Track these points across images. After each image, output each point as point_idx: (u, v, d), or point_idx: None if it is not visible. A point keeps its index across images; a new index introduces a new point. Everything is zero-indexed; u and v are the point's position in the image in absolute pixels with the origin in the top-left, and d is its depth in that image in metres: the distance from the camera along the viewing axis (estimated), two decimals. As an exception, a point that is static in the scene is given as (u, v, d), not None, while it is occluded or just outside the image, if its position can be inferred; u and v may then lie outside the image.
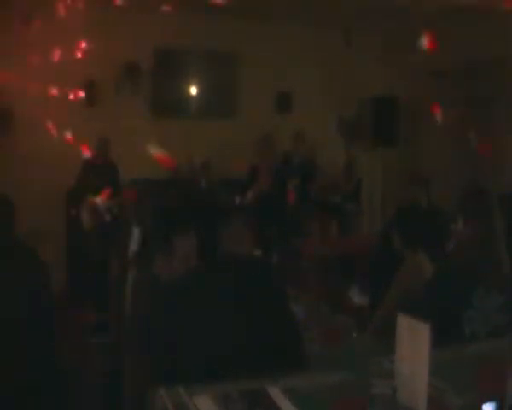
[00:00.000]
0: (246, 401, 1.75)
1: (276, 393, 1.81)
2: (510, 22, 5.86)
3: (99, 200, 5.88)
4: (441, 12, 6.30)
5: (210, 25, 6.77)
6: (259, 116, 7.07)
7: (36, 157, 6.28)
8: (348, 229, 6.44)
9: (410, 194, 4.67)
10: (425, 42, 5.56)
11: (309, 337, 2.62)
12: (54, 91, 6.55)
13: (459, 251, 2.72)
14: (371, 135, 7.44)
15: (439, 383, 1.81)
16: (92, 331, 5.08)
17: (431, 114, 7.11)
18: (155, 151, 6.28)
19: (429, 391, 1.68)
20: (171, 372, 2.18)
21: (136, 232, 3.63)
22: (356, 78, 7.39)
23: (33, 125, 6.38)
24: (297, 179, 6.30)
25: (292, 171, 6.40)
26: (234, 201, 5.96)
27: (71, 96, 6.62)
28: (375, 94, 7.34)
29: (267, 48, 7.07)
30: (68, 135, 6.58)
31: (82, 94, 6.68)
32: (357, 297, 2.75)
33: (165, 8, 6.41)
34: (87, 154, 6.33)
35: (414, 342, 1.70)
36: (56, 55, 6.47)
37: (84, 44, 6.51)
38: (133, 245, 3.29)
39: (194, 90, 7.22)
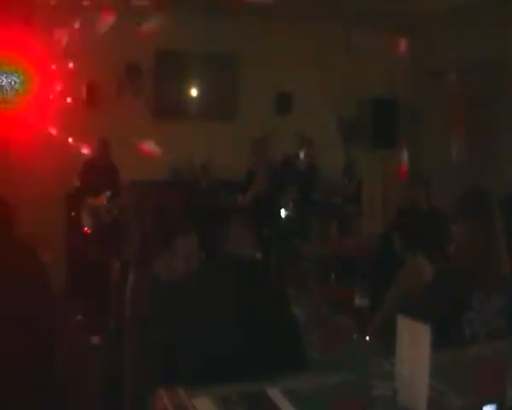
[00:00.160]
0: (246, 402, 1.75)
1: (276, 394, 1.81)
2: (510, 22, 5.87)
3: (99, 201, 5.88)
4: (441, 12, 6.31)
5: (210, 26, 6.77)
6: (260, 117, 7.07)
7: (36, 157, 6.28)
8: (348, 230, 6.44)
9: (410, 195, 4.66)
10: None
11: (309, 341, 2.61)
12: (55, 92, 6.55)
13: (459, 253, 2.72)
14: (371, 136, 7.44)
15: (439, 384, 1.81)
16: (92, 332, 5.08)
17: (431, 115, 7.13)
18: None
19: (429, 393, 1.68)
20: (171, 373, 2.18)
21: (136, 233, 3.62)
22: (356, 78, 7.38)
23: (34, 125, 6.39)
24: (298, 184, 6.30)
25: (294, 174, 6.40)
26: (234, 202, 5.95)
27: (72, 97, 6.62)
28: (375, 94, 7.34)
29: (267, 49, 7.07)
30: (69, 136, 6.60)
31: (83, 95, 6.68)
32: (358, 299, 2.75)
33: (166, 9, 6.44)
34: (87, 155, 6.33)
35: (414, 344, 1.70)
36: (58, 55, 6.48)
37: (85, 45, 6.53)
38: (133, 246, 3.28)
39: (194, 92, 7.23)
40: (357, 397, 1.67)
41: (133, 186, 5.86)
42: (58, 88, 6.56)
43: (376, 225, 7.27)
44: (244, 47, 7.07)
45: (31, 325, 3.07)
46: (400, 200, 5.28)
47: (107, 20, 6.52)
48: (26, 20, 6.14)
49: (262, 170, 6.00)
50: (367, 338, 2.73)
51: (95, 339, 5.04)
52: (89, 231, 5.93)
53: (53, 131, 6.54)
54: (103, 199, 5.89)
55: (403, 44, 7.67)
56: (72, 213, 6.24)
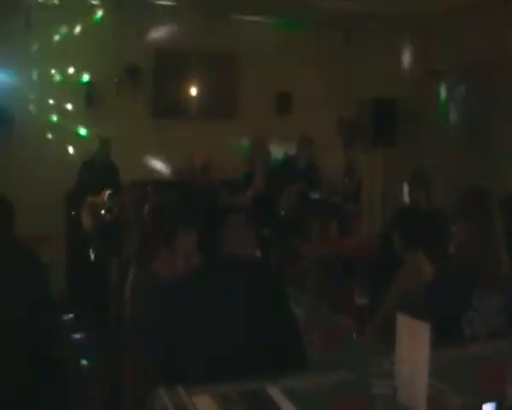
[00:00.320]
0: (245, 400, 1.75)
1: (275, 393, 1.81)
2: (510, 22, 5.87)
3: (99, 200, 5.88)
4: (441, 12, 6.31)
5: (210, 26, 6.77)
6: (259, 117, 7.06)
7: (36, 157, 6.28)
8: (348, 230, 6.43)
9: (410, 195, 4.66)
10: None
11: (309, 341, 2.61)
12: (54, 92, 6.56)
13: (459, 252, 2.72)
14: (371, 135, 7.44)
15: (438, 383, 1.81)
16: (92, 331, 5.08)
17: (431, 115, 7.13)
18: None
19: (429, 391, 1.68)
20: (171, 373, 2.18)
21: (135, 232, 3.63)
22: (356, 78, 7.39)
23: (34, 125, 6.39)
24: (298, 185, 6.29)
25: (293, 174, 6.40)
26: (234, 201, 5.95)
27: (72, 97, 6.63)
28: (375, 94, 7.34)
29: (267, 49, 7.07)
30: (69, 136, 6.60)
31: (83, 95, 6.68)
32: (358, 298, 2.75)
33: (166, 8, 6.45)
34: (88, 154, 6.33)
35: (414, 342, 1.70)
36: (57, 56, 6.49)
37: (84, 46, 6.54)
38: (133, 245, 3.29)
39: (194, 92, 7.22)
40: (357, 396, 1.67)
41: (133, 186, 5.87)
42: (58, 87, 6.57)
43: (376, 224, 7.28)
44: (244, 47, 7.07)
45: (31, 325, 3.07)
46: (400, 200, 5.28)
47: (107, 20, 6.52)
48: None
49: (261, 169, 6.00)
50: (367, 337, 2.73)
51: (95, 338, 5.04)
52: (89, 231, 5.93)
53: (53, 130, 6.54)
54: (103, 198, 5.89)
55: (403, 44, 7.66)
56: (72, 213, 6.24)
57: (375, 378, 1.63)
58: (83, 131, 6.68)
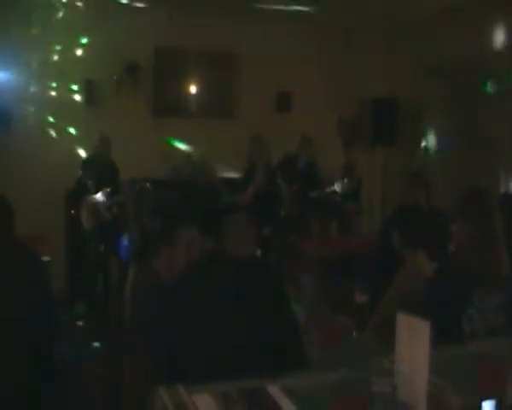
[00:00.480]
0: (245, 399, 1.75)
1: (275, 391, 1.81)
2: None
3: (99, 199, 5.88)
4: (441, 11, 6.31)
5: (210, 24, 6.78)
6: (259, 116, 7.07)
7: (35, 157, 6.29)
8: (348, 228, 6.44)
9: (409, 194, 4.67)
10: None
11: (309, 340, 2.61)
12: (54, 91, 6.56)
13: (459, 251, 2.72)
14: (371, 135, 7.44)
15: (438, 381, 1.81)
16: (92, 330, 5.08)
17: (431, 114, 7.13)
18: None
19: (429, 389, 1.68)
20: (171, 372, 2.18)
21: (136, 231, 3.63)
22: (356, 78, 7.40)
23: (33, 124, 6.39)
24: (298, 183, 6.30)
25: (293, 172, 6.41)
26: (233, 200, 5.95)
27: (71, 96, 6.63)
28: (375, 94, 7.35)
29: (267, 47, 7.08)
30: (68, 134, 6.60)
31: (82, 93, 6.68)
32: (357, 297, 2.75)
33: (166, 7, 6.45)
34: (87, 152, 6.33)
35: (414, 340, 1.70)
36: (56, 54, 6.49)
37: (84, 44, 6.53)
38: (133, 244, 3.29)
39: (194, 90, 7.22)
40: (357, 394, 1.67)
41: (133, 184, 5.87)
42: (57, 86, 6.57)
43: (376, 223, 7.28)
44: (243, 45, 7.08)
45: (31, 324, 3.07)
46: (400, 199, 5.28)
47: (107, 18, 6.52)
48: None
49: (262, 166, 6.00)
50: (367, 336, 2.73)
51: (95, 338, 5.05)
52: (89, 230, 5.93)
53: (52, 129, 6.54)
54: (103, 197, 5.90)
55: (403, 44, 7.66)
56: (72, 211, 6.24)
57: (375, 376, 1.63)
58: (82, 130, 6.68)
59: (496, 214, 2.63)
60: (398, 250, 3.38)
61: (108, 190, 5.92)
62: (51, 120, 6.58)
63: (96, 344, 4.89)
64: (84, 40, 6.58)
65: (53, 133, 6.51)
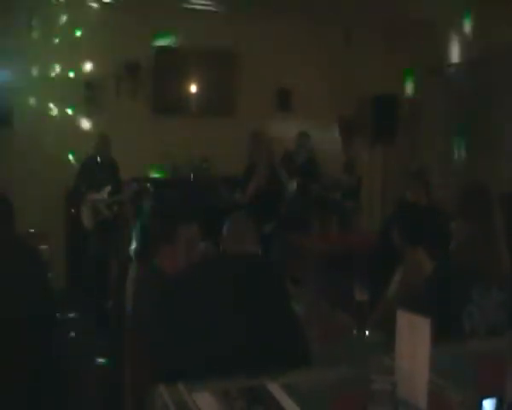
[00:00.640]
0: (245, 396, 1.75)
1: (275, 389, 1.81)
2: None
3: (99, 198, 5.88)
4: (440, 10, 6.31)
5: (209, 23, 6.77)
6: (259, 114, 7.07)
7: (36, 155, 6.29)
8: (348, 226, 6.44)
9: (409, 191, 4.66)
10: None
11: (309, 338, 2.61)
12: (54, 90, 6.56)
13: (459, 249, 2.72)
14: (371, 133, 7.44)
15: (439, 379, 1.81)
16: (92, 331, 5.08)
17: (431, 112, 7.13)
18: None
19: (429, 387, 1.67)
20: (171, 372, 2.18)
21: (136, 229, 3.62)
22: (356, 76, 7.40)
23: (34, 123, 6.39)
24: (299, 179, 6.31)
25: (293, 168, 6.41)
26: (234, 198, 5.96)
27: (71, 95, 6.62)
28: (375, 92, 7.35)
29: (267, 46, 7.08)
30: (68, 134, 6.59)
31: (82, 93, 6.68)
32: (357, 294, 2.75)
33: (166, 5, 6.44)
34: (87, 151, 6.32)
35: (414, 337, 1.70)
36: (56, 53, 6.49)
37: (84, 43, 6.53)
38: (134, 242, 3.28)
39: (194, 89, 7.22)
40: (357, 392, 1.66)
41: (133, 183, 5.88)
42: (57, 85, 6.56)
43: (376, 220, 7.28)
44: (243, 44, 7.07)
45: (31, 324, 3.07)
46: (400, 196, 5.27)
47: (107, 18, 6.52)
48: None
49: (262, 163, 5.99)
50: (367, 333, 2.72)
51: (95, 336, 5.04)
52: (89, 228, 5.93)
53: (52, 128, 6.53)
54: (103, 195, 5.89)
55: (403, 42, 7.66)
56: (72, 210, 6.23)
57: (375, 374, 1.63)
58: (83, 129, 6.67)
59: (496, 212, 2.63)
60: (398, 248, 3.38)
61: (109, 188, 5.92)
62: (52, 118, 6.58)
63: (97, 344, 4.89)
64: (85, 40, 6.57)
65: (53, 132, 6.50)
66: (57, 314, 3.60)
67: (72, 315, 5.49)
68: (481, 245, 2.57)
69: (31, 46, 6.33)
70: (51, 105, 6.57)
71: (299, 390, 1.80)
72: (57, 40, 6.51)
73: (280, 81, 7.40)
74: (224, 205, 5.73)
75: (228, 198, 6.02)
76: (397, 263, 3.32)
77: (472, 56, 6.36)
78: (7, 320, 2.97)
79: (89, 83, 6.69)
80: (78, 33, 6.58)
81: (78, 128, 6.65)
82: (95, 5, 6.59)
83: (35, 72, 6.43)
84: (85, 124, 6.62)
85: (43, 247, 3.96)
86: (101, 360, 4.72)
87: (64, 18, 6.50)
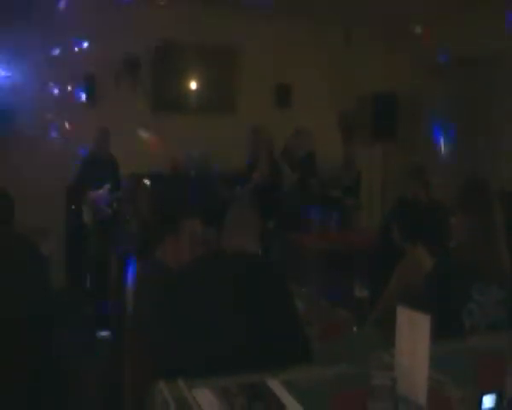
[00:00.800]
0: (245, 393, 1.75)
1: (275, 385, 1.81)
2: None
3: (99, 194, 5.88)
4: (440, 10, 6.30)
5: (209, 19, 6.76)
6: (259, 110, 7.06)
7: (36, 151, 6.28)
8: (348, 223, 6.44)
9: (409, 189, 4.67)
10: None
11: (309, 334, 2.61)
12: (53, 87, 6.55)
13: (459, 245, 2.72)
14: (371, 130, 7.43)
15: (438, 375, 1.81)
16: (92, 330, 5.08)
17: (431, 110, 7.13)
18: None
19: (429, 383, 1.67)
20: (171, 371, 2.18)
21: (135, 226, 3.63)
22: (356, 73, 7.39)
23: (33, 120, 6.38)
24: (297, 174, 6.32)
25: (293, 163, 6.42)
26: (234, 195, 5.95)
27: (70, 92, 6.62)
28: (375, 89, 7.34)
29: (266, 43, 7.07)
30: (68, 130, 6.59)
31: (82, 89, 6.67)
32: (357, 291, 2.75)
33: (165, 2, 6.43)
34: (87, 148, 6.32)
35: (414, 334, 1.70)
36: (56, 50, 6.48)
37: (83, 40, 6.52)
38: (134, 237, 3.30)
39: (193, 85, 7.22)
40: (357, 388, 1.66)
41: (133, 179, 5.87)
42: (57, 82, 6.55)
43: (376, 217, 7.28)
44: (243, 40, 7.07)
45: (31, 322, 3.07)
46: (400, 193, 5.28)
47: (106, 13, 6.50)
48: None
49: (263, 159, 5.99)
50: (367, 330, 2.73)
51: (96, 333, 5.05)
52: (89, 225, 5.93)
53: (52, 125, 6.53)
54: (103, 192, 5.89)
55: (403, 41, 7.66)
56: (72, 207, 6.23)
57: (374, 371, 1.63)
58: (82, 125, 6.66)
59: (496, 208, 2.63)
60: (398, 245, 3.38)
61: (108, 184, 5.91)
62: (51, 115, 6.57)
63: (96, 344, 4.90)
64: (84, 36, 6.56)
65: (53, 128, 6.50)
66: (57, 312, 3.60)
67: (71, 314, 5.50)
68: (481, 243, 2.57)
69: (30, 45, 6.32)
70: (51, 102, 6.56)
71: (298, 386, 1.80)
72: (57, 38, 6.50)
73: (280, 78, 7.40)
74: (225, 199, 5.73)
75: (228, 194, 6.02)
76: (397, 260, 3.32)
77: (472, 56, 6.35)
78: (7, 318, 2.97)
79: (88, 79, 6.67)
80: (78, 30, 6.57)
81: (77, 124, 6.64)
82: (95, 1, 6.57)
83: (35, 69, 6.42)
84: (85, 120, 6.60)
85: (45, 251, 3.95)
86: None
87: (63, 15, 6.48)
